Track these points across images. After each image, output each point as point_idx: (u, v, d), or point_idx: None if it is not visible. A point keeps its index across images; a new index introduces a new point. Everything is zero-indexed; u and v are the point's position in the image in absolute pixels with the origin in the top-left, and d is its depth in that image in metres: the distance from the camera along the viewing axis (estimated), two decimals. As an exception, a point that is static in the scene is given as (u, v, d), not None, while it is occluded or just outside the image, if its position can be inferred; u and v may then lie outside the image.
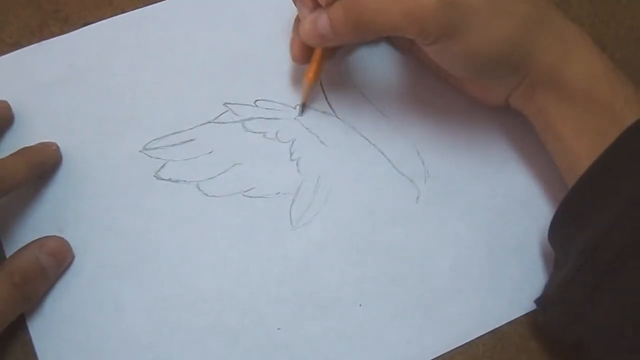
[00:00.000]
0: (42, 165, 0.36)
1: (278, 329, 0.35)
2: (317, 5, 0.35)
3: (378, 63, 0.41)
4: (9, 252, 0.35)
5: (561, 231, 0.33)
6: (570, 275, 0.32)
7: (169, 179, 0.37)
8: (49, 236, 0.35)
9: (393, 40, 0.41)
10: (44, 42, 0.40)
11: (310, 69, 0.37)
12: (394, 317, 0.35)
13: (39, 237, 0.35)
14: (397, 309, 0.35)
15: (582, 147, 0.33)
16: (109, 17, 0.42)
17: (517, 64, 0.33)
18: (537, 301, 0.34)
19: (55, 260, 0.34)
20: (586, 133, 0.33)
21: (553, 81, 0.33)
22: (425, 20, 0.31)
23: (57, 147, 0.37)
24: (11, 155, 0.35)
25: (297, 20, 0.37)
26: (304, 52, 0.37)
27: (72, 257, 0.35)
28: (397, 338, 0.35)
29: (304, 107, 0.39)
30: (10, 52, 0.40)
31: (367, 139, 0.39)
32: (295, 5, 0.36)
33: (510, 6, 0.32)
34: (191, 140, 0.38)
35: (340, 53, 0.41)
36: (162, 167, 0.38)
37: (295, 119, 0.39)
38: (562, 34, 0.34)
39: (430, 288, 0.36)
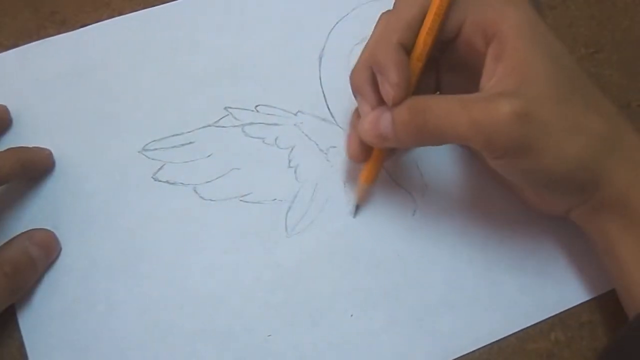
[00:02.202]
0: (32, 165, 0.36)
1: (268, 335, 0.35)
2: (379, 102, 0.33)
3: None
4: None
5: None
6: None
7: (167, 181, 0.38)
8: (37, 228, 0.35)
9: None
10: (45, 39, 0.41)
11: (366, 170, 0.35)
12: (386, 328, 0.35)
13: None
14: (390, 321, 0.35)
15: None
16: (106, 19, 0.42)
17: (584, 184, 0.31)
18: None
19: (44, 252, 0.35)
20: None
21: (619, 206, 0.32)
22: (494, 134, 0.29)
23: (51, 153, 0.37)
24: (2, 150, 0.35)
25: (356, 115, 0.36)
26: (362, 150, 0.35)
27: (60, 249, 0.36)
28: (388, 350, 0.35)
29: (357, 209, 0.37)
30: (8, 52, 0.40)
31: (366, 149, 0.39)
32: (355, 98, 0.34)
33: (584, 124, 0.30)
34: (190, 143, 0.39)
35: (400, 152, 0.38)
36: (160, 168, 0.38)
37: (295, 125, 0.39)
38: (634, 156, 0.32)
39: (424, 301, 0.36)
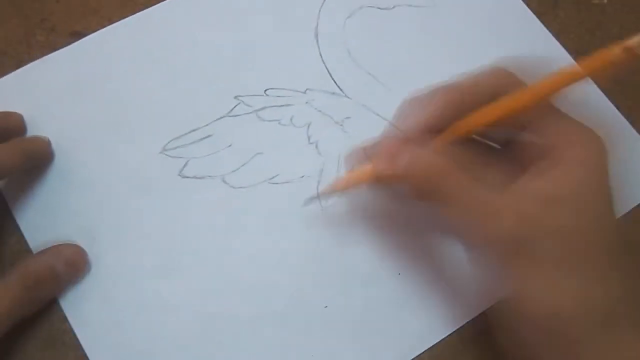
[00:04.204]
0: (35, 154, 0.36)
1: (325, 307, 0.35)
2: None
3: (380, 40, 0.42)
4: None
5: None
6: None
7: (194, 176, 0.38)
8: (68, 244, 0.35)
9: None
10: (47, 57, 0.40)
11: (348, 180, 0.35)
12: (435, 282, 0.36)
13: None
14: (439, 275, 0.36)
15: None
16: (95, 26, 0.41)
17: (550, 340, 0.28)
18: None
19: (71, 269, 0.35)
20: None
21: None
22: (482, 240, 0.28)
23: (50, 141, 0.37)
24: (3, 144, 0.35)
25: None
26: (362, 158, 0.34)
27: (89, 266, 0.35)
28: (436, 302, 0.36)
29: (315, 198, 0.37)
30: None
31: (378, 115, 0.40)
32: (403, 105, 0.32)
33: (574, 284, 0.27)
34: (209, 136, 0.39)
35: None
36: (185, 165, 0.38)
37: (306, 103, 0.40)
38: (634, 344, 0.27)
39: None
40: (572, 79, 0.28)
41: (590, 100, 0.41)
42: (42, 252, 0.34)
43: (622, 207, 0.39)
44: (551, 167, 0.28)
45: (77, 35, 0.41)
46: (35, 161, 0.37)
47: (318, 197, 0.37)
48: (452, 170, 0.29)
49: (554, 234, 0.27)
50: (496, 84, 0.30)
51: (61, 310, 0.35)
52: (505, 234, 0.27)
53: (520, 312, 0.28)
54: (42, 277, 0.33)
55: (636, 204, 0.39)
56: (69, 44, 0.41)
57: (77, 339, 0.34)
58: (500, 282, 0.28)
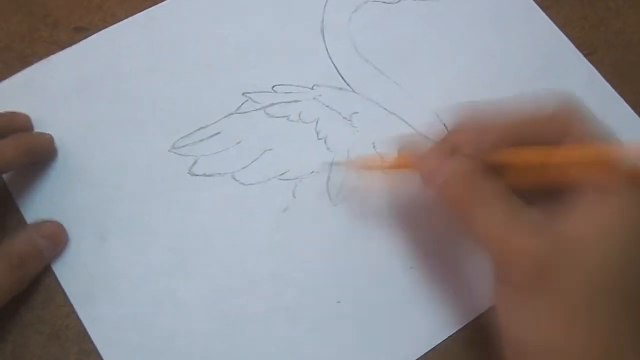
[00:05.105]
0: (35, 150, 0.36)
1: (338, 302, 0.35)
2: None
3: (386, 35, 0.42)
4: (56, 268, 0.35)
5: None
6: None
7: (204, 174, 0.38)
8: (45, 220, 0.36)
9: None
10: (53, 56, 0.40)
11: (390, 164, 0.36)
12: (446, 276, 0.36)
13: (83, 248, 0.36)
14: (450, 268, 0.37)
15: None
16: (99, 22, 0.41)
17: None
18: None
19: (51, 243, 0.35)
20: None
21: None
22: (506, 263, 0.28)
23: (52, 137, 0.37)
24: (4, 139, 0.35)
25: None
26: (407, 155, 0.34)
27: (67, 240, 0.36)
28: (447, 296, 0.36)
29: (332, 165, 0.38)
30: (0, 56, 0.40)
31: (386, 109, 0.40)
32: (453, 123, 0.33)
33: (579, 331, 0.26)
34: (217, 133, 0.39)
35: None
36: (194, 163, 0.38)
37: (314, 99, 0.40)
38: None
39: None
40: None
41: (598, 94, 0.42)
42: (23, 231, 0.34)
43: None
44: (587, 209, 0.27)
45: (81, 30, 0.41)
46: (38, 156, 0.37)
47: (334, 165, 0.37)
48: (486, 198, 0.29)
49: (572, 276, 0.26)
50: (559, 129, 0.29)
51: (65, 306, 0.35)
52: (524, 271, 0.27)
53: (516, 343, 0.28)
54: (26, 255, 0.34)
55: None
56: (73, 39, 0.41)
57: (80, 334, 0.34)
58: (505, 304, 0.28)
